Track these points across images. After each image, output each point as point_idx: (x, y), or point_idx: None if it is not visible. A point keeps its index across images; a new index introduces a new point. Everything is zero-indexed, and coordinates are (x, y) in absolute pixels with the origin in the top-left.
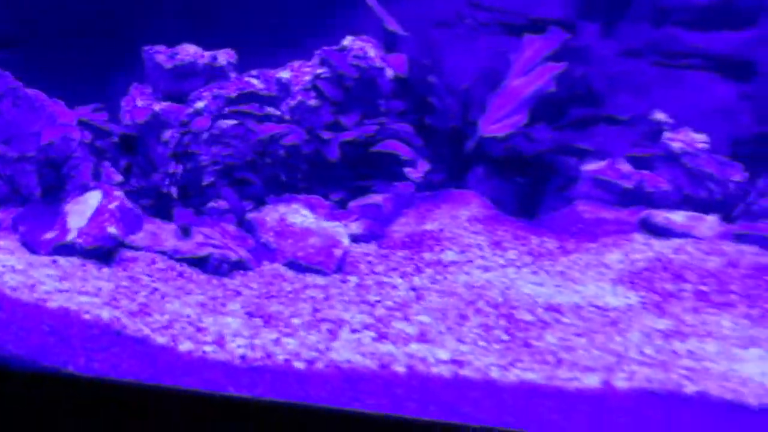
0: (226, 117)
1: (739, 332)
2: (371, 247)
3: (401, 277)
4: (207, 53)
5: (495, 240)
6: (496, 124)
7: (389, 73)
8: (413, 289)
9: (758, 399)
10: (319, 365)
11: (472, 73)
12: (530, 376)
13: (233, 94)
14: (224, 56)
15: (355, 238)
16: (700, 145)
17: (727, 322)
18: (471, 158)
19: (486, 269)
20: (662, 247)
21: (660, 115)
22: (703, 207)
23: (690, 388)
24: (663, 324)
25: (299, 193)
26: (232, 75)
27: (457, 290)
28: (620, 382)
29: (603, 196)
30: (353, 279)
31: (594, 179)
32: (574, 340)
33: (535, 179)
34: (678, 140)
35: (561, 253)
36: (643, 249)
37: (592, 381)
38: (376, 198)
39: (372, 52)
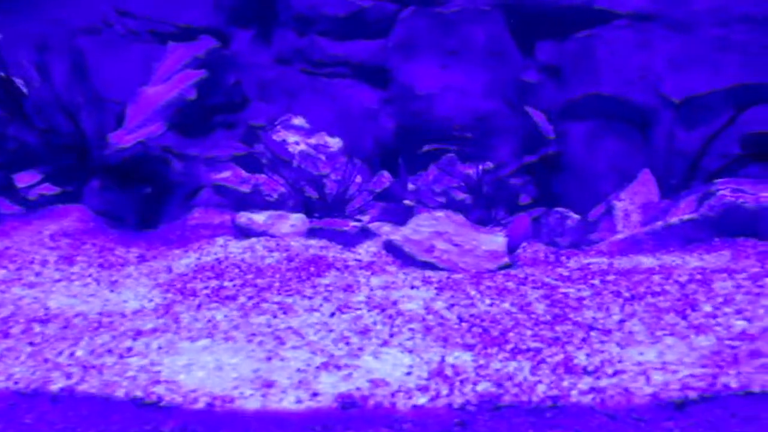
0: None
1: (219, 324)
2: None
3: None
4: None
5: (69, 255)
6: (130, 135)
7: None
8: None
9: (128, 394)
10: None
11: (117, 82)
12: None
13: None
14: None
15: None
16: (333, 148)
17: (220, 315)
18: (93, 171)
19: (31, 286)
20: (236, 247)
21: (297, 120)
22: (313, 205)
23: (58, 385)
24: (152, 324)
25: None
26: None
27: None
28: None
29: (223, 202)
30: None
31: (215, 186)
32: (18, 349)
33: (158, 189)
34: (306, 143)
35: (137, 261)
36: (217, 251)
37: None
38: None
39: None
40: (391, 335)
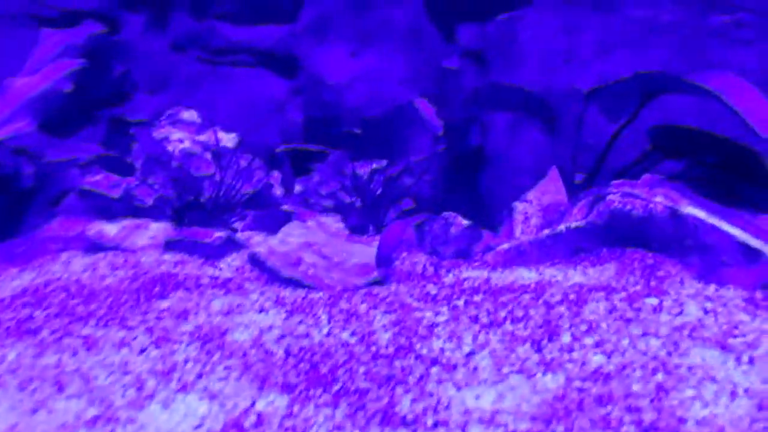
0: None
1: (1, 366)
2: None
3: None
4: None
5: None
6: None
7: None
8: None
9: None
10: None
11: None
12: None
13: None
14: None
15: None
16: (227, 145)
17: (12, 354)
18: None
19: None
20: (79, 264)
21: (187, 114)
22: (189, 212)
23: None
24: None
25: None
26: None
27: None
28: None
29: (89, 209)
30: None
31: (83, 191)
32: None
33: (12, 196)
34: (192, 141)
35: None
36: (56, 270)
37: None
38: None
39: None
40: (200, 375)
